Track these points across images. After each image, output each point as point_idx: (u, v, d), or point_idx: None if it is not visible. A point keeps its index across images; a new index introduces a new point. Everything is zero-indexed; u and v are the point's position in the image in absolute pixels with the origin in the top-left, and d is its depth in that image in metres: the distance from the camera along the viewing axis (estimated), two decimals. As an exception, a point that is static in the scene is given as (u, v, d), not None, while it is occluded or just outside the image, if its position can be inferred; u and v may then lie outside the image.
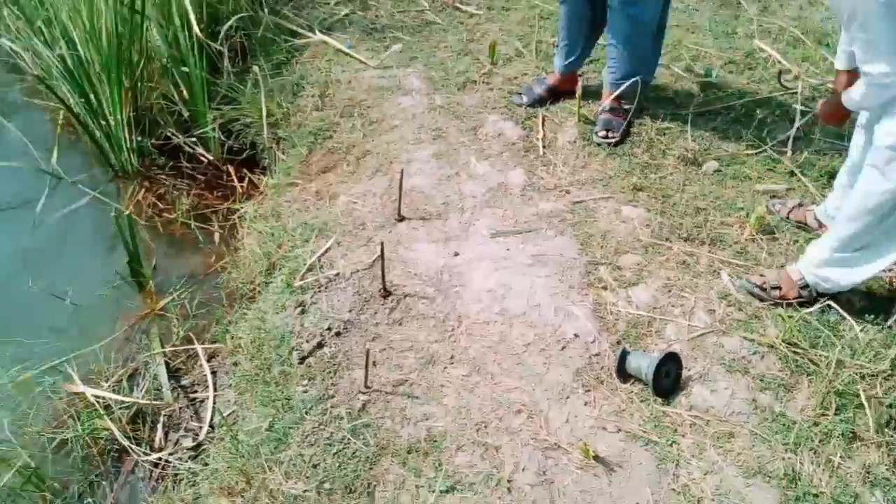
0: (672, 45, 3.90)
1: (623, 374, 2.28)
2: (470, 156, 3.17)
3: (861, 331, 2.38)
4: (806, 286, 2.44)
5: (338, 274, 2.64)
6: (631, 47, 3.10)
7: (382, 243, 2.41)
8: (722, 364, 2.31)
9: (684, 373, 2.29)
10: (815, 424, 2.14)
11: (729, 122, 3.34)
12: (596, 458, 2.04)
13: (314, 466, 2.08)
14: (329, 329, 2.45)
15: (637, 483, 2.01)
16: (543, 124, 3.36)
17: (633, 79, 3.14)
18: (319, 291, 2.60)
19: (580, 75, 3.59)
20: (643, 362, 2.23)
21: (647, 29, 3.08)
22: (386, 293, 2.53)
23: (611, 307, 2.52)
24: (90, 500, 2.35)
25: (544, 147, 3.24)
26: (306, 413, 2.22)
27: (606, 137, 3.20)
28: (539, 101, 3.46)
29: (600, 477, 2.02)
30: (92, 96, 3.56)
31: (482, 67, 3.77)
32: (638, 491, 1.99)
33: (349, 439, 2.13)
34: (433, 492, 1.99)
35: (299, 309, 2.56)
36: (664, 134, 3.28)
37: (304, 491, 2.02)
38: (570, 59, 3.36)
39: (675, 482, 2.02)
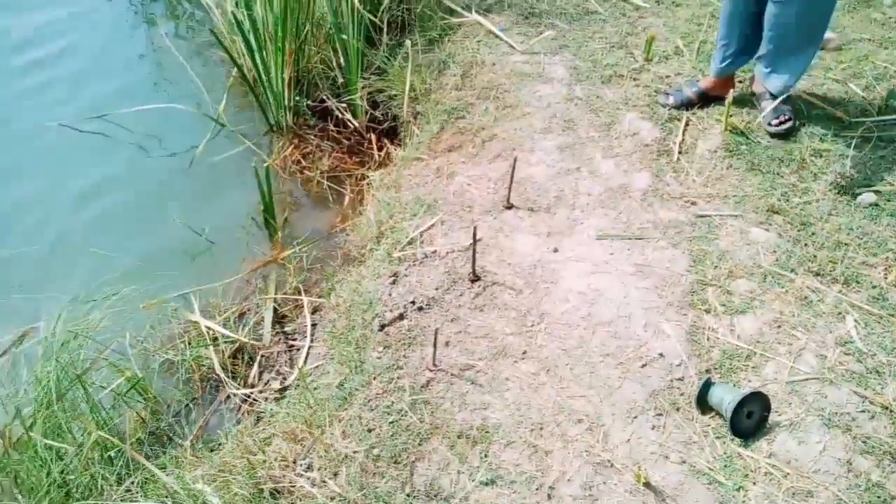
0: (856, 60, 3.49)
1: (703, 404, 2.12)
2: (596, 152, 3.06)
3: None
4: None
5: (435, 251, 2.68)
6: (786, 39, 2.88)
7: (475, 227, 2.41)
8: (820, 416, 2.07)
9: (774, 417, 2.08)
10: (917, 506, 1.86)
11: (902, 151, 2.95)
12: (647, 484, 1.93)
13: (369, 430, 2.15)
14: (413, 303, 2.50)
15: (687, 521, 1.88)
16: (685, 128, 3.16)
17: (788, 93, 2.92)
18: (414, 265, 2.66)
19: (740, 81, 3.33)
20: (727, 396, 2.06)
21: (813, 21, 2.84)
22: (475, 278, 2.53)
23: (709, 332, 2.34)
24: (184, 419, 2.59)
25: (680, 152, 3.05)
26: (374, 378, 2.29)
27: (783, 124, 3.02)
28: (686, 104, 3.25)
29: (648, 506, 1.91)
30: (260, 54, 3.85)
31: (634, 62, 3.60)
32: (685, 530, 1.86)
33: (406, 412, 2.17)
34: (473, 480, 1.99)
35: (392, 279, 2.63)
36: (820, 156, 2.96)
37: (354, 452, 2.10)
38: (726, 61, 3.12)
39: (730, 530, 1.86)
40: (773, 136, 3.02)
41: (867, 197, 2.76)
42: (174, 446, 2.39)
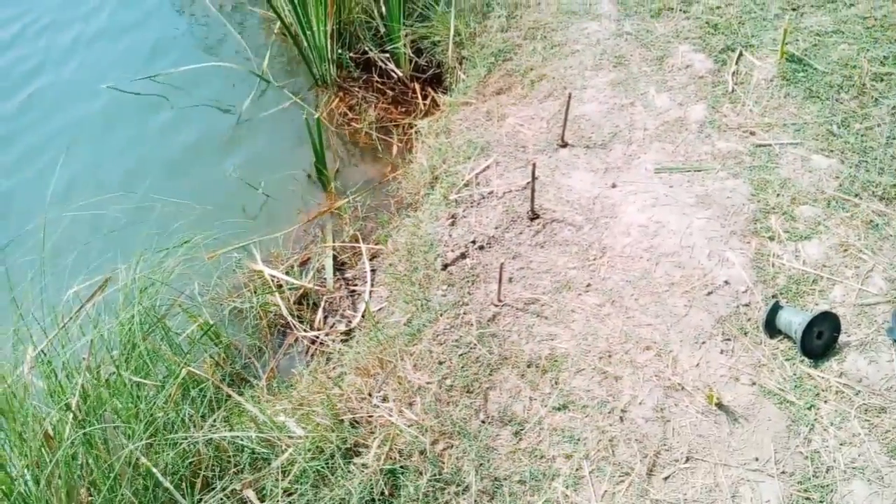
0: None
1: (771, 327, 2.13)
2: (650, 86, 3.02)
3: None
4: None
5: (491, 192, 2.70)
6: None
7: (534, 165, 2.41)
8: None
9: (843, 338, 2.09)
10: None
11: (969, 71, 2.85)
12: (719, 405, 1.96)
13: (440, 363, 2.21)
14: (474, 242, 2.53)
15: (760, 438, 1.91)
16: (739, 59, 3.10)
17: None
18: (471, 206, 2.69)
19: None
20: (795, 318, 2.06)
21: None
22: (534, 216, 2.55)
23: (774, 259, 2.34)
24: (256, 362, 2.68)
25: (735, 83, 3.00)
26: (441, 315, 2.35)
27: None
28: None
29: (721, 425, 1.94)
30: (302, 7, 3.85)
31: (683, -6, 3.52)
32: (759, 446, 1.89)
33: (475, 344, 2.23)
34: (545, 406, 2.04)
35: (451, 220, 2.66)
36: (881, 80, 2.88)
37: (427, 382, 2.16)
38: None
39: (804, 446, 1.88)
40: None
41: (933, 119, 2.70)
42: (250, 387, 2.48)
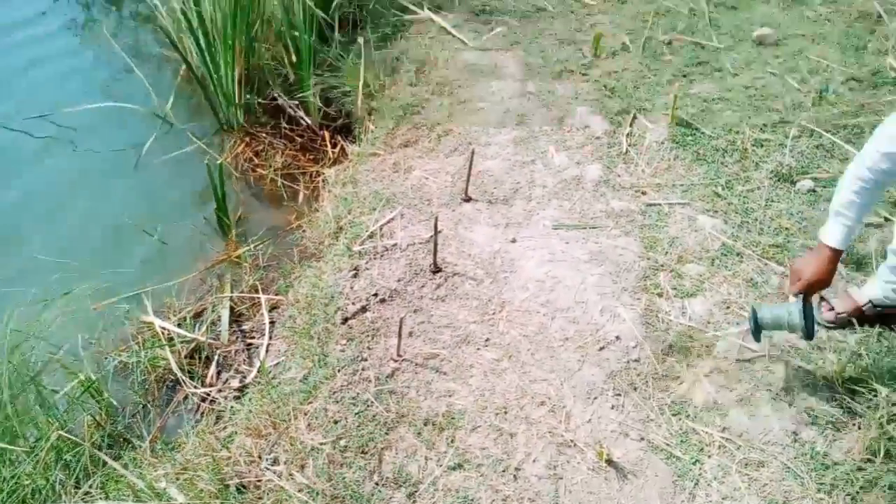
0: (790, 55, 3.65)
1: (758, 331, 2.08)
2: (549, 145, 3.13)
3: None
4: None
5: (395, 244, 2.70)
6: None
7: (436, 219, 2.43)
8: (769, 390, 2.17)
9: (725, 393, 2.17)
10: (860, 469, 1.97)
11: (836, 141, 3.10)
12: (610, 462, 1.99)
13: (335, 422, 2.16)
14: (375, 295, 2.51)
15: (648, 494, 1.94)
16: (633, 122, 3.26)
17: None
18: (374, 258, 2.67)
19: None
20: (779, 312, 2.04)
21: None
22: (436, 269, 2.56)
23: (662, 315, 2.43)
24: (140, 421, 2.53)
25: (629, 145, 3.15)
26: (338, 371, 2.30)
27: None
28: None
29: (611, 482, 1.97)
30: (209, 51, 3.79)
31: (583, 58, 3.69)
32: (647, 502, 1.93)
33: (372, 402, 2.19)
34: (440, 466, 2.02)
35: (353, 272, 2.64)
36: (761, 146, 3.09)
37: (321, 443, 2.10)
38: None
39: (689, 501, 1.93)
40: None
41: (805, 184, 2.90)
42: (132, 448, 2.33)
